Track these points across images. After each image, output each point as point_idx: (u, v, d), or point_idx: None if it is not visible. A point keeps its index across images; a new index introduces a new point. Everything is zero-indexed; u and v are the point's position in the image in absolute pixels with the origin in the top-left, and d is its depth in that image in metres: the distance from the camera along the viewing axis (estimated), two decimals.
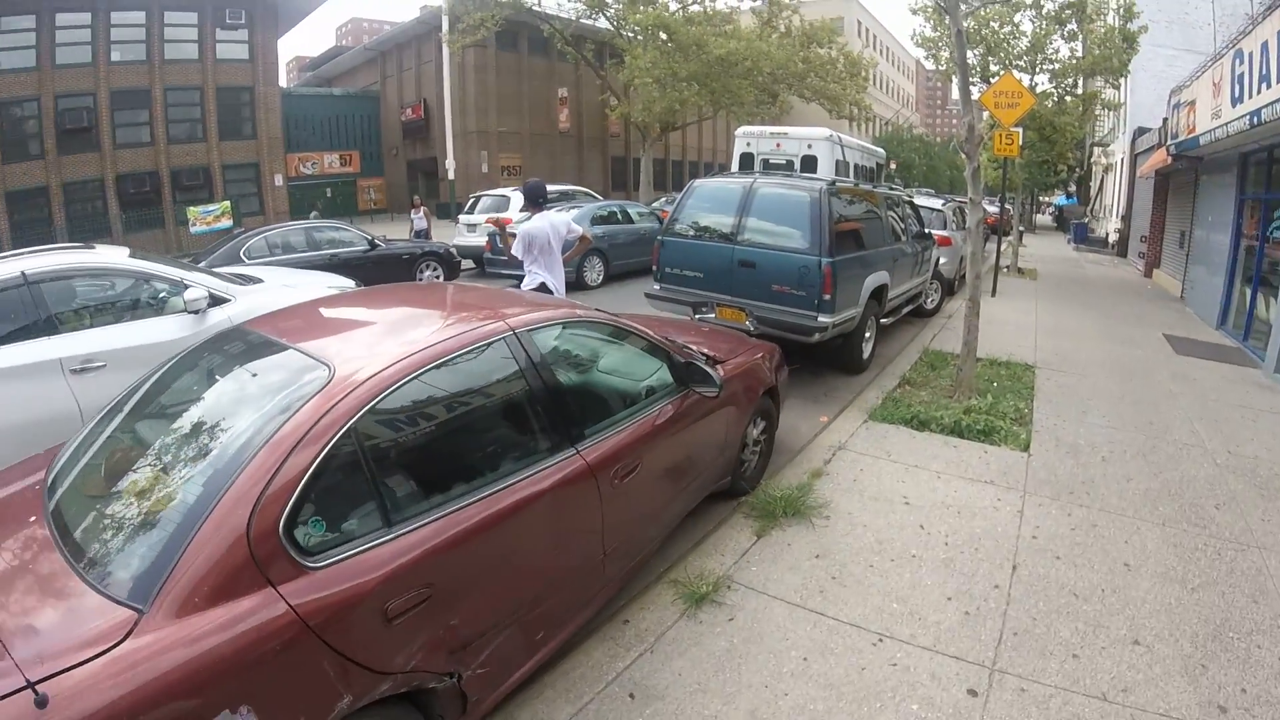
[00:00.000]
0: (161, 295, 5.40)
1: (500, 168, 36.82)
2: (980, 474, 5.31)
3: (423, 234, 19.20)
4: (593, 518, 3.14)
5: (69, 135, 25.45)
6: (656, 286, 8.06)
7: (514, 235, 6.63)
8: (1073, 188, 40.98)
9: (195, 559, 1.95)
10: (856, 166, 16.44)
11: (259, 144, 30.25)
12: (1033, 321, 11.50)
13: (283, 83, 35.14)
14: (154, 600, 1.88)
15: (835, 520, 4.52)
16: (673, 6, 29.84)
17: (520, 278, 6.57)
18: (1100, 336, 10.66)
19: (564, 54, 33.25)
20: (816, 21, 32.20)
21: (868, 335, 8.07)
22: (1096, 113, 21.28)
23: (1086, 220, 35.07)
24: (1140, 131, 21.47)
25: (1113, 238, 28.17)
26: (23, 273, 4.72)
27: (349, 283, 7.30)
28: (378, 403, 2.44)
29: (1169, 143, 13.91)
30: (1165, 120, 15.07)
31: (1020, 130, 14.39)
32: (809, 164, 14.83)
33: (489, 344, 2.95)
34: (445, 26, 28.64)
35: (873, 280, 7.82)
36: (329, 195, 35.19)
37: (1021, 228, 23.45)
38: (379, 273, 12.01)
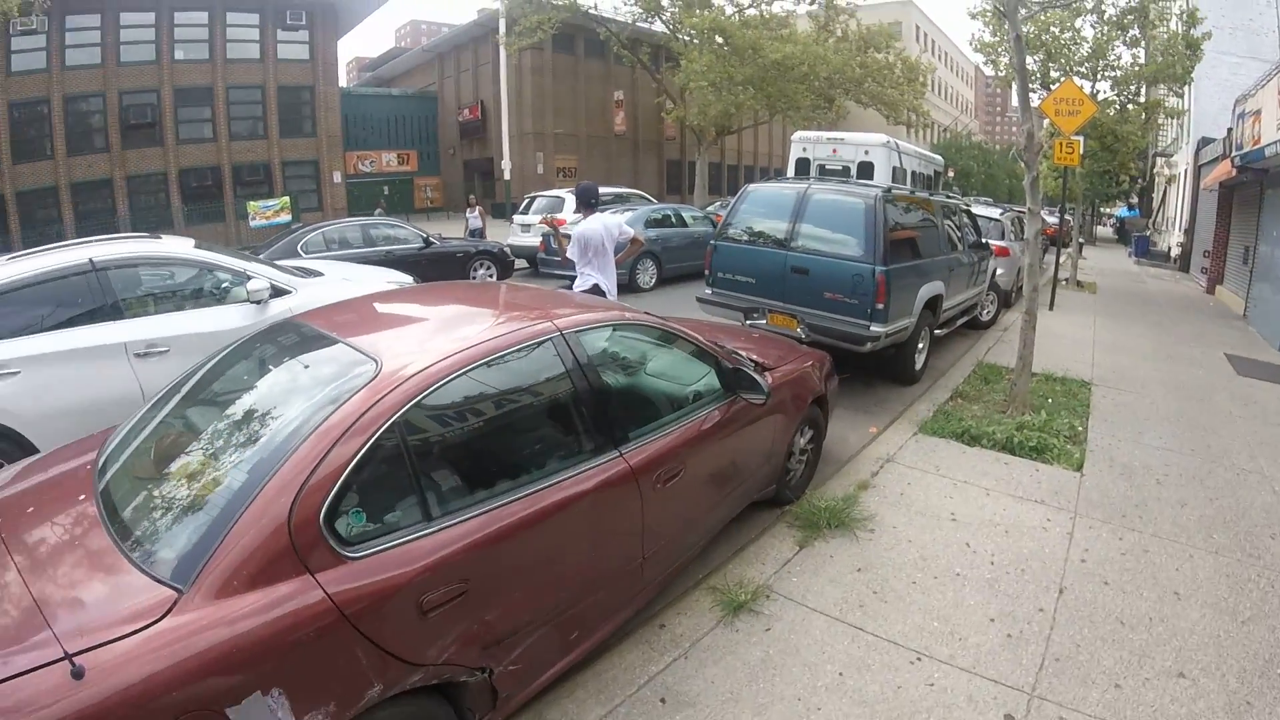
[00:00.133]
0: (224, 285, 5.56)
1: (556, 169, 37.12)
2: (1031, 493, 5.16)
3: (477, 233, 19.41)
4: (633, 521, 3.12)
5: (133, 130, 26.56)
6: (708, 291, 8.00)
7: (568, 236, 6.65)
8: (1135, 199, 39.68)
9: (236, 543, 1.98)
10: (914, 174, 16.23)
11: (318, 142, 31.02)
12: (1090, 337, 11.16)
13: (342, 83, 36.01)
14: (194, 581, 1.92)
15: (880, 534, 4.43)
16: (729, 10, 29.80)
17: (573, 279, 6.59)
18: (1159, 354, 10.31)
19: (620, 57, 33.44)
20: (874, 26, 31.82)
21: (921, 346, 7.91)
22: (1159, 122, 20.56)
23: (1148, 233, 34.00)
24: (1204, 142, 20.76)
25: (1175, 252, 27.26)
26: (91, 260, 4.90)
27: (407, 278, 7.41)
28: (422, 399, 2.46)
29: (1233, 154, 13.41)
30: (1229, 130, 14.53)
31: (1081, 139, 13.96)
32: (865, 170, 14.67)
33: (535, 344, 2.95)
34: (502, 29, 28.93)
35: (927, 290, 7.66)
36: (386, 193, 35.88)
37: (1081, 240, 22.78)
38: (433, 270, 12.17)
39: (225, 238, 26.21)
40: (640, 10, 30.07)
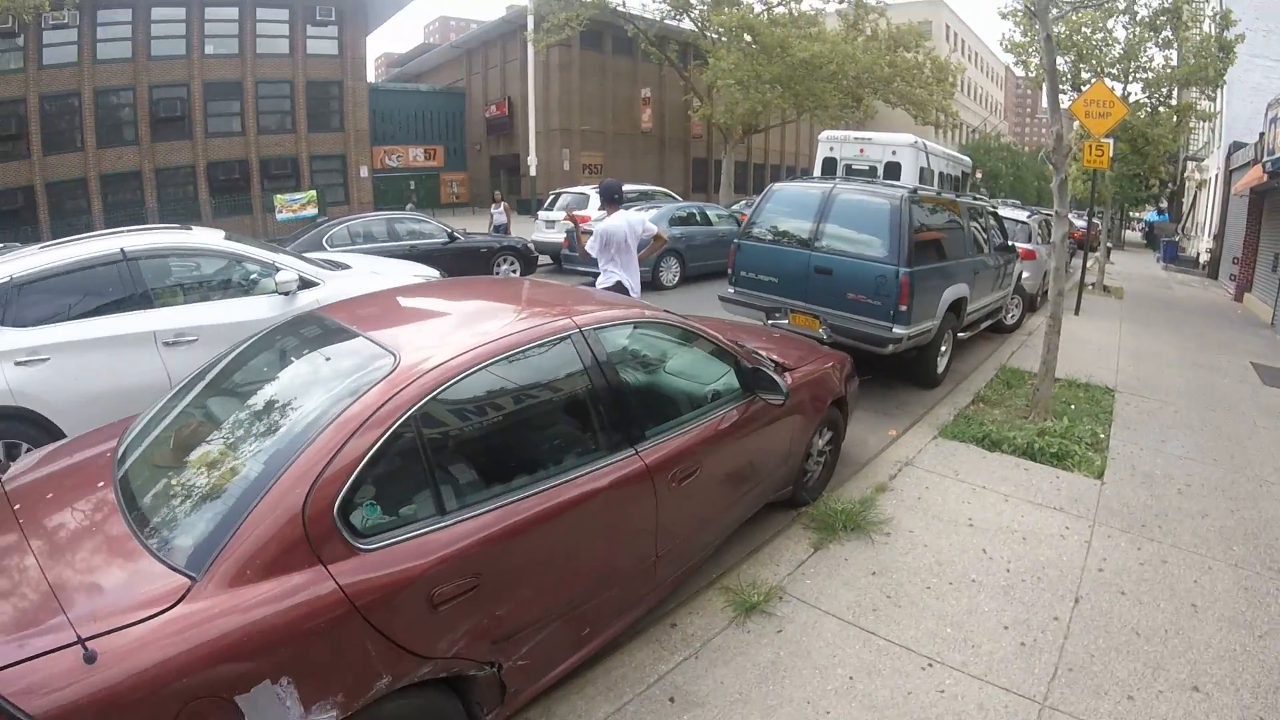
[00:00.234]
0: (253, 276, 5.64)
1: (582, 166, 37.22)
2: (1050, 500, 5.09)
3: (502, 229, 19.44)
4: (647, 519, 3.12)
5: (163, 123, 26.93)
6: (730, 290, 7.97)
7: (588, 234, 6.65)
8: (1164, 204, 39.05)
9: (250, 533, 2.01)
10: (941, 174, 16.08)
11: (346, 136, 31.31)
12: (1115, 343, 10.99)
13: (370, 78, 36.26)
14: (208, 569, 1.95)
15: (895, 538, 4.40)
16: (757, 8, 29.64)
17: (596, 275, 6.60)
18: (1185, 362, 10.13)
19: (647, 54, 33.37)
20: (903, 25, 31.47)
21: (944, 349, 7.84)
22: (1191, 125, 20.15)
23: (1177, 238, 33.41)
24: (1236, 146, 20.37)
25: (1203, 258, 26.75)
26: (122, 249, 4.98)
27: (434, 272, 7.46)
28: (439, 393, 2.47)
29: (1265, 159, 13.15)
30: (1261, 135, 14.24)
31: (1111, 141, 13.73)
32: (892, 171, 14.56)
33: (554, 341, 2.96)
34: (530, 26, 29.01)
35: (951, 292, 7.59)
36: (412, 188, 36.10)
37: (1109, 244, 22.44)
38: (457, 265, 12.20)
39: (252, 230, 26.58)
40: (668, 7, 30.00)
